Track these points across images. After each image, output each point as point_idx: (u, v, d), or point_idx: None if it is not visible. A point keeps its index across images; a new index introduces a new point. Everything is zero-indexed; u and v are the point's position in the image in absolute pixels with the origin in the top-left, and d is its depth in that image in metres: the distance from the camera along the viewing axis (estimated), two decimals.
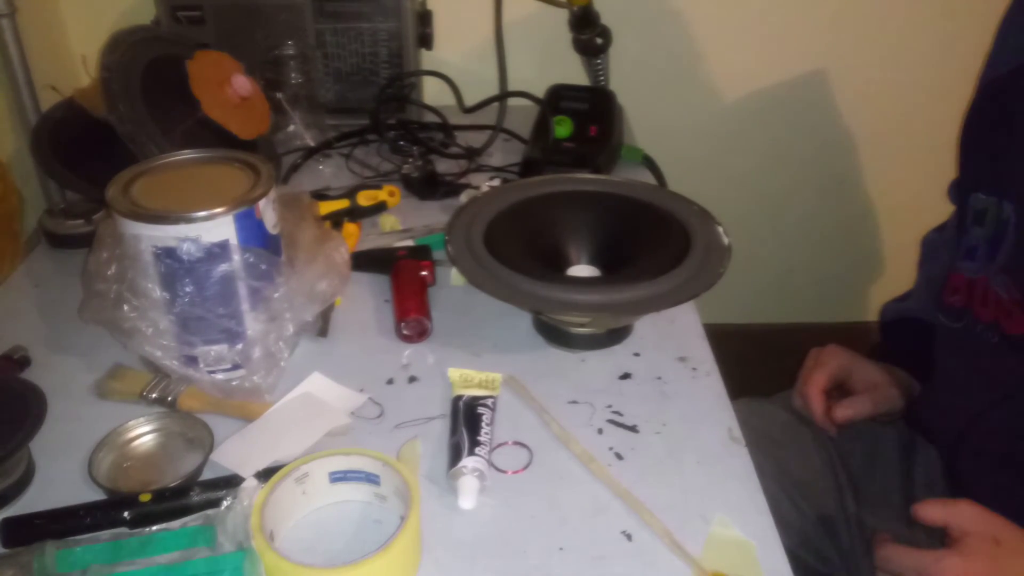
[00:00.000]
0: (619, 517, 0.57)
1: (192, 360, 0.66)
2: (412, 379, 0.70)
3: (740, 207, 1.38)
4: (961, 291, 0.75)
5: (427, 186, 0.97)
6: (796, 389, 0.88)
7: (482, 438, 0.61)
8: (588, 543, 0.55)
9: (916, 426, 0.88)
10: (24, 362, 0.71)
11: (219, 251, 0.62)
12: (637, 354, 0.73)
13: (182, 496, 0.56)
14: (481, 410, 0.64)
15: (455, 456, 0.60)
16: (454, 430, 0.62)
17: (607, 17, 1.16)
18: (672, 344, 0.74)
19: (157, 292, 0.63)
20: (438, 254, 0.83)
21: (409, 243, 0.86)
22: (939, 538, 0.68)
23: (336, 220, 0.88)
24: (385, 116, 1.09)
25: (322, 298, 0.71)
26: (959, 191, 0.79)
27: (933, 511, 0.64)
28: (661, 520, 0.56)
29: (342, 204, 0.90)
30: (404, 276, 0.79)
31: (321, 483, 0.57)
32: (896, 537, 0.66)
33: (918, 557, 0.62)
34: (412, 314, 0.74)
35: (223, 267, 0.63)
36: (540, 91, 1.09)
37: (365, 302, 0.80)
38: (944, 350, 0.81)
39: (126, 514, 0.55)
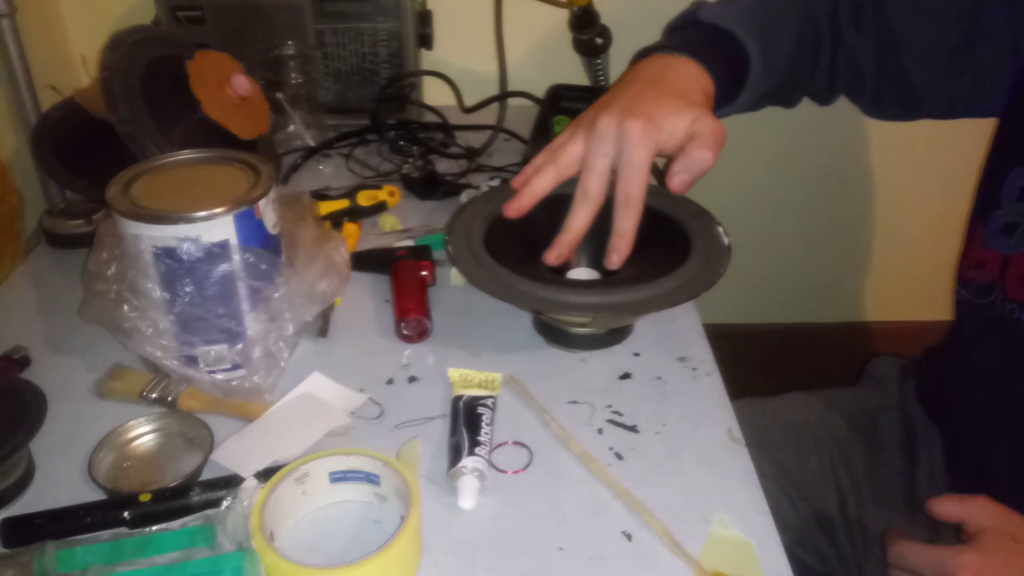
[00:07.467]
0: (619, 517, 0.57)
1: (192, 360, 0.66)
2: (412, 379, 0.70)
3: (740, 207, 1.38)
4: (989, 266, 0.74)
5: (427, 186, 0.96)
6: None
7: (482, 438, 0.61)
8: (588, 543, 0.55)
9: (933, 409, 0.86)
10: (24, 362, 0.71)
11: (219, 251, 0.62)
12: (637, 354, 0.73)
13: (182, 496, 0.56)
14: (481, 410, 0.64)
15: (455, 456, 0.60)
16: (454, 430, 0.62)
17: (607, 17, 1.16)
18: (672, 344, 0.74)
19: (157, 292, 0.63)
20: (438, 254, 0.83)
21: (409, 243, 0.86)
22: (944, 536, 0.67)
23: (336, 220, 0.88)
24: (385, 116, 1.09)
25: (322, 298, 0.71)
26: (994, 166, 0.77)
27: (949, 507, 0.64)
28: (661, 520, 0.56)
29: (342, 204, 0.90)
30: (404, 276, 0.79)
31: (321, 483, 0.57)
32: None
33: (935, 553, 0.61)
34: (412, 314, 0.74)
35: (223, 267, 0.63)
36: (540, 91, 1.09)
37: (365, 302, 0.80)
38: (970, 329, 0.79)
39: (126, 514, 0.55)
